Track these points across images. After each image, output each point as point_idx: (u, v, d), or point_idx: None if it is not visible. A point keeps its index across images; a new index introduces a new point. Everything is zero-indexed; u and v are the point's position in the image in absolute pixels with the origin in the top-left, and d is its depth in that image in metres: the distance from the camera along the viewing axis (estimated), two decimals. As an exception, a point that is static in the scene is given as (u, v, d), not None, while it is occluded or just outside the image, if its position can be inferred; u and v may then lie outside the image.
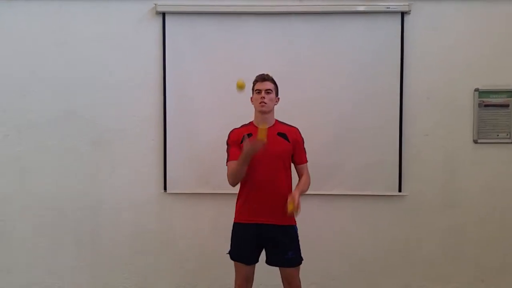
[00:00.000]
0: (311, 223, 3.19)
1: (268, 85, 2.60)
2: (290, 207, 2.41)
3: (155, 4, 3.27)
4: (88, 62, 3.34)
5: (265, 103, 2.57)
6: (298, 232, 2.65)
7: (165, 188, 3.34)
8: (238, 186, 2.66)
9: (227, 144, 2.67)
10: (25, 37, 3.34)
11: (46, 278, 3.40)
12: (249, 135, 2.55)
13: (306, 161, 2.70)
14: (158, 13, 3.28)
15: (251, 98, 2.67)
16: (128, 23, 3.33)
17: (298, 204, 2.43)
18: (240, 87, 2.43)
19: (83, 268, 3.40)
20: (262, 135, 2.39)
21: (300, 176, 2.68)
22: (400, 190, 3.31)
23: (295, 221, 2.62)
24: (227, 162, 2.63)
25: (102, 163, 3.36)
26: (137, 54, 3.33)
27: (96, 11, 3.33)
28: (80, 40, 3.34)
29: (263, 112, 2.60)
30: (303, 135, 2.71)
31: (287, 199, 2.54)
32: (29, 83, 3.35)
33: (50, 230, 3.38)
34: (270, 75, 2.65)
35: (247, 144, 2.40)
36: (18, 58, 3.34)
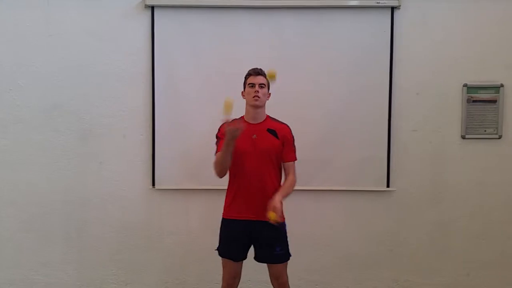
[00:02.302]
0: (299, 218, 3.20)
1: (262, 79, 2.59)
2: (271, 216, 2.37)
3: (144, -3, 3.24)
4: (75, 56, 3.29)
5: (259, 97, 2.56)
6: (287, 227, 2.65)
7: (153, 184, 3.32)
8: (227, 182, 2.65)
9: (217, 137, 2.65)
10: (11, 30, 3.28)
11: (32, 274, 3.37)
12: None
13: (294, 159, 2.66)
14: (147, 6, 3.24)
15: (242, 92, 2.65)
16: (116, 16, 3.28)
17: (280, 211, 2.40)
18: (228, 107, 2.38)
19: (70, 263, 3.38)
20: (227, 110, 2.33)
21: (286, 175, 2.66)
22: (388, 186, 3.33)
23: (284, 218, 2.61)
24: (214, 154, 2.61)
25: (89, 158, 3.33)
26: (126, 48, 3.29)
27: (84, 4, 3.27)
28: (67, 34, 3.28)
29: (256, 107, 2.58)
30: (293, 132, 2.69)
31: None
32: (15, 76, 3.29)
33: (37, 225, 3.35)
34: (263, 69, 2.63)
35: (228, 129, 2.36)
36: (3, 52, 3.28)
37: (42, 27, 3.28)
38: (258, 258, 2.63)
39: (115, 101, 3.31)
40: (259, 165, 2.55)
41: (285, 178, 2.65)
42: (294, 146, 2.67)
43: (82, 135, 3.32)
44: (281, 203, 2.47)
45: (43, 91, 3.30)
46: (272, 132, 2.60)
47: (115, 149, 3.32)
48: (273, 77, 2.52)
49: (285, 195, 2.53)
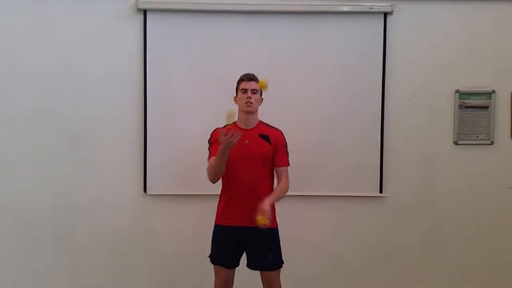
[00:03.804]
0: (292, 224, 3.17)
1: (254, 85, 2.57)
2: (259, 220, 2.34)
3: (136, 1, 3.20)
4: (66, 59, 3.24)
5: (251, 103, 2.54)
6: (280, 233, 2.63)
7: (145, 189, 3.28)
8: (220, 187, 2.62)
9: (209, 142, 2.63)
10: (0, 32, 3.23)
11: (21, 280, 3.31)
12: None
13: (287, 165, 2.63)
14: (139, 10, 3.21)
15: (235, 98, 2.63)
16: (108, 19, 3.25)
17: (268, 215, 2.36)
18: (230, 117, 2.40)
19: (60, 270, 3.32)
20: (229, 120, 2.35)
21: (279, 180, 2.63)
22: (381, 191, 3.32)
23: (277, 224, 2.60)
24: (207, 159, 2.59)
25: (80, 163, 3.28)
26: (118, 51, 3.26)
27: (76, 7, 3.23)
28: (58, 37, 3.24)
29: (248, 112, 2.56)
30: (286, 137, 2.67)
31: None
32: (4, 79, 3.24)
33: (25, 230, 3.29)
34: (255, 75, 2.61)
35: (224, 139, 2.33)
36: (-8, 54, 3.24)
37: (33, 29, 3.24)
38: (250, 265, 2.61)
39: (106, 104, 3.27)
40: (251, 171, 2.52)
41: (278, 183, 2.63)
42: (287, 151, 2.65)
43: (72, 139, 3.27)
44: (272, 207, 2.44)
45: (33, 94, 3.25)
46: (265, 137, 2.59)
47: (106, 154, 3.28)
48: (264, 86, 2.50)
49: (276, 199, 2.51)
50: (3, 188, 3.27)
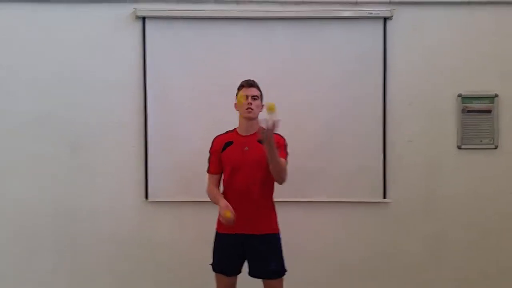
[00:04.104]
0: (293, 230, 3.13)
1: (255, 91, 2.56)
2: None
3: (135, 9, 3.21)
4: (66, 66, 3.26)
5: (252, 109, 2.53)
6: (282, 240, 2.60)
7: (146, 196, 3.27)
8: (220, 194, 2.61)
9: (209, 152, 2.64)
10: (1, 38, 3.25)
11: (23, 286, 3.29)
12: (230, 142, 2.55)
13: (285, 158, 2.52)
14: (138, 17, 3.22)
15: (235, 104, 2.62)
16: (107, 27, 3.26)
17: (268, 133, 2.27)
18: (271, 109, 2.33)
19: (61, 276, 3.31)
20: (226, 215, 2.36)
21: None
22: (384, 197, 3.29)
23: (278, 229, 2.57)
24: (207, 171, 2.61)
25: (81, 170, 3.28)
26: (117, 59, 3.27)
27: (75, 14, 3.25)
28: (58, 43, 3.26)
29: (249, 119, 2.55)
30: (287, 142, 2.62)
31: (268, 208, 2.55)
32: (4, 84, 3.26)
33: (26, 237, 3.28)
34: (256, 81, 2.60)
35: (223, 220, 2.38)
36: (-7, 59, 3.25)
37: (33, 36, 3.25)
38: (252, 273, 2.57)
39: (107, 111, 3.27)
40: (251, 177, 2.50)
41: None
42: (287, 151, 2.58)
43: (73, 146, 3.27)
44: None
45: (33, 101, 3.26)
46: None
47: (107, 161, 3.28)
48: (272, 109, 2.35)
49: (274, 156, 2.35)
50: (4, 194, 3.28)
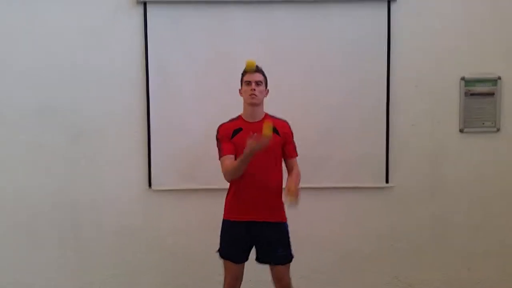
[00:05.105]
0: (298, 216, 3.06)
1: (258, 76, 2.53)
2: (289, 197, 2.33)
3: (136, -7, 3.15)
4: (65, 53, 3.19)
5: (256, 95, 2.50)
6: (288, 228, 2.61)
7: (149, 185, 3.25)
8: (225, 181, 2.59)
9: (217, 139, 2.59)
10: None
11: (26, 276, 3.27)
12: (239, 129, 2.51)
13: (296, 155, 2.62)
14: (139, 2, 3.15)
15: (240, 90, 2.59)
16: (108, 12, 3.18)
17: (297, 192, 2.35)
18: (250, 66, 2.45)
19: (65, 266, 3.30)
20: (268, 130, 2.29)
21: (289, 170, 2.60)
22: (387, 182, 3.30)
23: (286, 218, 2.57)
24: (219, 158, 2.55)
25: (83, 159, 3.24)
26: (118, 45, 3.20)
27: (73, 0, 3.17)
28: (56, 31, 3.18)
29: (253, 105, 2.52)
30: (291, 128, 2.64)
31: (277, 195, 2.53)
32: (2, 75, 3.19)
33: (30, 227, 3.25)
34: (259, 66, 2.57)
35: (251, 143, 2.29)
36: (-12, 50, 3.18)
37: (32, 25, 3.18)
38: (260, 259, 2.59)
39: (108, 99, 3.22)
40: (261, 164, 2.47)
41: (289, 173, 2.59)
42: (294, 142, 2.63)
43: (74, 135, 3.23)
44: (296, 186, 2.42)
45: (33, 91, 3.20)
46: (273, 129, 2.54)
47: (110, 150, 3.24)
48: (251, 66, 2.48)
49: (298, 182, 2.48)
50: (7, 185, 3.24)
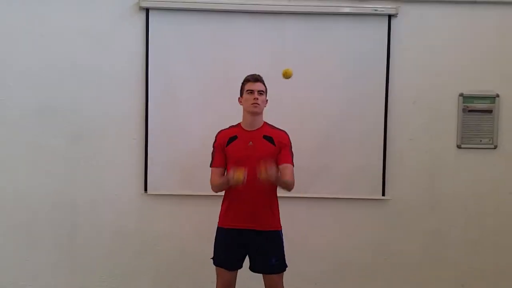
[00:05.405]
0: (294, 226, 3.13)
1: (260, 86, 2.55)
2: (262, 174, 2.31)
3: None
4: (67, 57, 3.21)
5: (258, 104, 2.52)
6: (283, 237, 2.60)
7: (145, 189, 3.25)
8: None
9: (213, 146, 2.62)
10: (1, 30, 3.20)
11: (23, 278, 3.26)
12: (235, 137, 2.52)
13: (290, 162, 2.56)
14: (141, 8, 3.19)
15: (239, 98, 2.61)
16: (109, 17, 3.22)
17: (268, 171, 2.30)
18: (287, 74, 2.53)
19: (61, 269, 3.28)
20: (239, 175, 2.33)
21: (283, 176, 2.53)
22: (383, 194, 3.30)
23: (280, 227, 2.57)
24: (210, 166, 2.59)
25: (80, 162, 3.25)
26: (119, 50, 3.23)
27: (78, 5, 3.21)
28: (59, 34, 3.21)
29: (254, 114, 2.54)
30: (290, 138, 2.63)
31: (271, 204, 2.54)
32: (4, 77, 3.21)
33: (26, 229, 3.25)
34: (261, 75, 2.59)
35: (231, 176, 2.36)
36: (-9, 51, 3.20)
37: (34, 27, 3.21)
38: (253, 268, 2.58)
39: (108, 103, 3.24)
40: (255, 172, 2.45)
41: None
42: (292, 152, 2.61)
43: (72, 137, 3.24)
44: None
45: (33, 92, 3.22)
46: (269, 138, 2.55)
47: (107, 153, 3.26)
48: (289, 74, 2.56)
49: (278, 180, 2.42)
50: (4, 186, 3.24)
